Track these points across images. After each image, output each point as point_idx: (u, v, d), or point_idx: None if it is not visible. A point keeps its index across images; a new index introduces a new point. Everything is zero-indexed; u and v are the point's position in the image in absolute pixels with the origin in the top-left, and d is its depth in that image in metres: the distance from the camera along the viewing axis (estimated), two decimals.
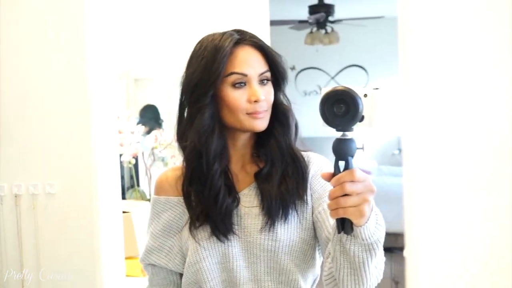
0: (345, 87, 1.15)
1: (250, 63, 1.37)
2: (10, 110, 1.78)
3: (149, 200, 3.31)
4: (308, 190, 1.39)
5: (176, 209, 1.42)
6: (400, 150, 7.78)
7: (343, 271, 1.27)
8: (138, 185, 3.30)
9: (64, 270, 1.81)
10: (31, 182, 1.76)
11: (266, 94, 1.36)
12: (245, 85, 1.36)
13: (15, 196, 1.77)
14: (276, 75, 1.40)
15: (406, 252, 4.78)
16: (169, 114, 3.97)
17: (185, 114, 1.41)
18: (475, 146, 2.03)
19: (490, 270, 2.03)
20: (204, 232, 1.36)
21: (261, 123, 1.37)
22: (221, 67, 1.35)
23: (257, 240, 1.37)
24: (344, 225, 1.20)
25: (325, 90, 1.17)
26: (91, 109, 1.78)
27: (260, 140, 1.44)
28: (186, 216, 1.41)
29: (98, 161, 1.78)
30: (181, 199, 1.41)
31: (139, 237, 2.69)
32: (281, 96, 1.42)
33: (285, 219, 1.38)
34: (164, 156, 3.43)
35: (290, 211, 1.38)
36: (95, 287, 1.82)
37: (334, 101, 1.17)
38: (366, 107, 1.19)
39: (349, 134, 1.19)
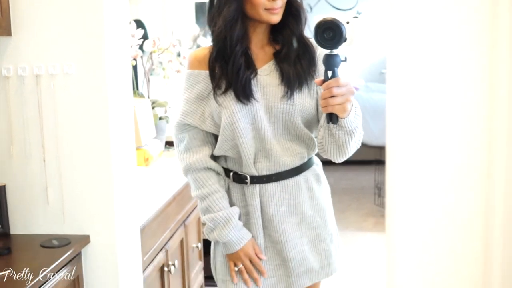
0: (332, 18, 1.57)
1: None
2: None
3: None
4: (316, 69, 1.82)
5: (207, 80, 1.81)
6: None
7: (330, 147, 1.79)
8: (137, 88, 3.43)
9: (80, 148, 1.95)
10: (51, 63, 1.89)
11: None
12: None
13: (36, 76, 1.90)
14: None
15: (387, 162, 4.99)
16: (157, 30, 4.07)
17: (215, 3, 1.81)
18: (458, 65, 2.12)
19: (466, 179, 2.15)
20: (232, 100, 1.76)
21: (276, 18, 1.76)
22: None
23: (277, 105, 1.78)
24: (332, 118, 1.68)
25: (317, 20, 1.59)
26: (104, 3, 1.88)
27: (276, 28, 1.84)
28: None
29: (108, 46, 1.90)
30: (208, 72, 1.81)
31: (142, 130, 2.86)
32: None
33: (300, 89, 1.80)
34: (162, 60, 3.56)
35: (303, 84, 1.80)
36: (108, 169, 1.95)
37: (324, 29, 1.57)
38: (348, 31, 1.60)
39: (335, 51, 1.63)
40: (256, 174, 1.83)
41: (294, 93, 1.79)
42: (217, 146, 1.84)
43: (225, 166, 1.88)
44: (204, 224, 1.87)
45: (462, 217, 2.18)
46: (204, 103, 1.84)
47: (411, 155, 2.16)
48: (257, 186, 1.84)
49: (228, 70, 1.77)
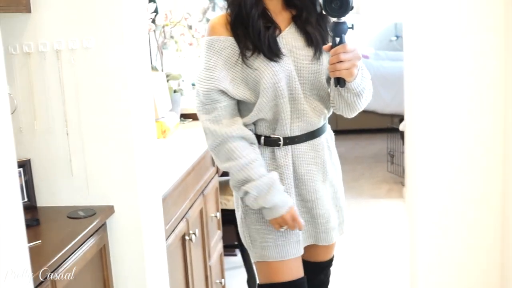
0: None
1: None
2: None
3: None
4: None
5: (234, 46, 1.85)
6: (397, 36, 7.88)
7: (341, 106, 1.92)
8: (151, 62, 3.45)
9: (102, 121, 1.99)
10: (70, 38, 1.92)
11: None
12: None
13: (56, 52, 1.93)
14: None
15: (402, 127, 4.98)
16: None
17: None
18: (473, 27, 2.12)
19: (483, 141, 2.17)
20: (266, 61, 1.82)
21: None
22: None
23: (307, 66, 1.87)
24: (339, 81, 1.80)
25: None
26: None
27: None
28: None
29: (126, 19, 1.92)
30: (233, 38, 1.86)
31: (158, 103, 2.89)
32: None
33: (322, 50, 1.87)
34: (174, 34, 3.58)
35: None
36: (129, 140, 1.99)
37: None
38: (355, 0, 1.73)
39: (342, 19, 1.73)
40: (289, 135, 1.90)
41: (322, 54, 1.88)
42: (254, 112, 1.88)
43: (254, 132, 1.93)
44: (244, 193, 1.89)
45: (480, 178, 2.22)
46: (234, 69, 1.86)
47: (429, 121, 2.19)
48: (289, 147, 1.91)
49: (250, 34, 1.82)
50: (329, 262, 2.13)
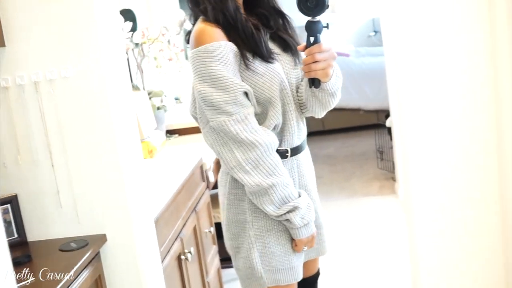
0: None
1: None
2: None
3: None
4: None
5: (236, 51, 1.71)
6: (375, 31, 7.89)
7: (314, 106, 1.84)
8: (131, 81, 3.42)
9: (87, 148, 1.96)
10: (48, 69, 1.88)
11: None
12: None
13: (35, 83, 1.90)
14: None
15: (388, 123, 4.96)
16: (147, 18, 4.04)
17: None
18: (454, 16, 2.11)
19: (469, 132, 2.16)
20: (271, 66, 1.74)
21: None
22: None
23: (292, 71, 1.83)
24: (314, 82, 1.73)
25: None
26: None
27: (248, 2, 1.81)
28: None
29: (102, 44, 1.89)
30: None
31: (142, 122, 2.86)
32: None
33: None
34: (153, 50, 3.55)
35: None
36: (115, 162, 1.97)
37: None
38: None
39: (317, 18, 1.67)
40: (294, 145, 1.83)
41: (300, 60, 1.84)
42: (268, 121, 1.75)
43: None
44: (290, 210, 1.73)
45: (474, 171, 2.20)
46: (240, 76, 1.73)
47: (415, 115, 2.18)
48: (294, 158, 1.84)
49: (243, 37, 1.71)
50: (318, 274, 2.07)
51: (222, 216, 1.92)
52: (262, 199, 1.72)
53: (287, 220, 1.75)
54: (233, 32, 1.71)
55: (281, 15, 1.84)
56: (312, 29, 1.68)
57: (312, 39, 1.68)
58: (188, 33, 1.82)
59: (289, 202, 1.72)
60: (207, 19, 1.73)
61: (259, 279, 1.83)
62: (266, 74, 1.73)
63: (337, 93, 1.83)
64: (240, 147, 1.68)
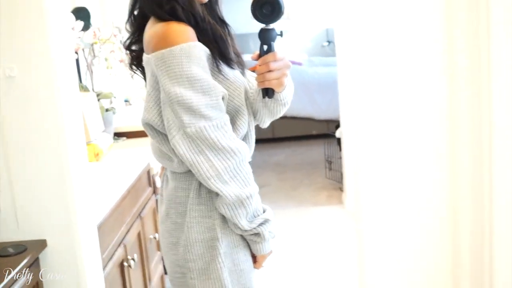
0: None
1: None
2: None
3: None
4: None
5: (208, 54, 1.59)
6: (329, 42, 7.97)
7: (263, 116, 1.76)
8: (80, 81, 3.36)
9: (30, 150, 1.90)
10: None
11: None
12: None
13: None
14: None
15: (338, 134, 5.02)
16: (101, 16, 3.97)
17: None
18: (403, 30, 2.13)
19: (421, 143, 2.19)
20: (231, 71, 1.65)
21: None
22: None
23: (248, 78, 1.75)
24: (268, 92, 1.66)
25: None
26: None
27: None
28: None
29: (49, 44, 1.84)
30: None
31: (90, 125, 2.80)
32: None
33: None
34: (103, 51, 3.49)
35: None
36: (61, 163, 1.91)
37: (262, 4, 1.57)
38: (286, 5, 1.58)
39: (271, 25, 1.61)
40: (250, 158, 1.68)
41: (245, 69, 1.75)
42: (236, 132, 1.65)
43: None
44: (262, 223, 1.63)
45: (424, 181, 2.23)
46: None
47: (364, 127, 2.19)
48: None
49: (212, 41, 1.61)
50: None
51: (169, 238, 1.72)
52: (237, 211, 1.59)
53: (256, 234, 1.63)
54: (203, 34, 1.60)
55: (225, 24, 1.74)
56: (266, 37, 1.60)
57: (265, 47, 1.60)
58: (135, 36, 1.71)
59: (259, 215, 1.64)
60: (174, 20, 1.58)
61: None
62: (236, 80, 1.64)
63: (288, 103, 1.75)
64: (218, 155, 1.55)
